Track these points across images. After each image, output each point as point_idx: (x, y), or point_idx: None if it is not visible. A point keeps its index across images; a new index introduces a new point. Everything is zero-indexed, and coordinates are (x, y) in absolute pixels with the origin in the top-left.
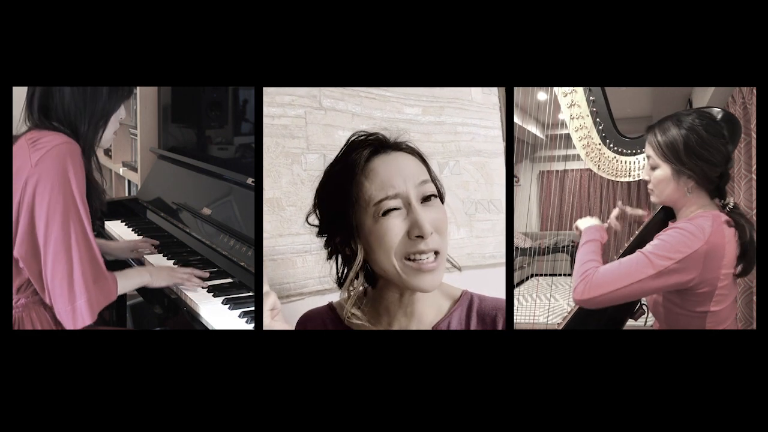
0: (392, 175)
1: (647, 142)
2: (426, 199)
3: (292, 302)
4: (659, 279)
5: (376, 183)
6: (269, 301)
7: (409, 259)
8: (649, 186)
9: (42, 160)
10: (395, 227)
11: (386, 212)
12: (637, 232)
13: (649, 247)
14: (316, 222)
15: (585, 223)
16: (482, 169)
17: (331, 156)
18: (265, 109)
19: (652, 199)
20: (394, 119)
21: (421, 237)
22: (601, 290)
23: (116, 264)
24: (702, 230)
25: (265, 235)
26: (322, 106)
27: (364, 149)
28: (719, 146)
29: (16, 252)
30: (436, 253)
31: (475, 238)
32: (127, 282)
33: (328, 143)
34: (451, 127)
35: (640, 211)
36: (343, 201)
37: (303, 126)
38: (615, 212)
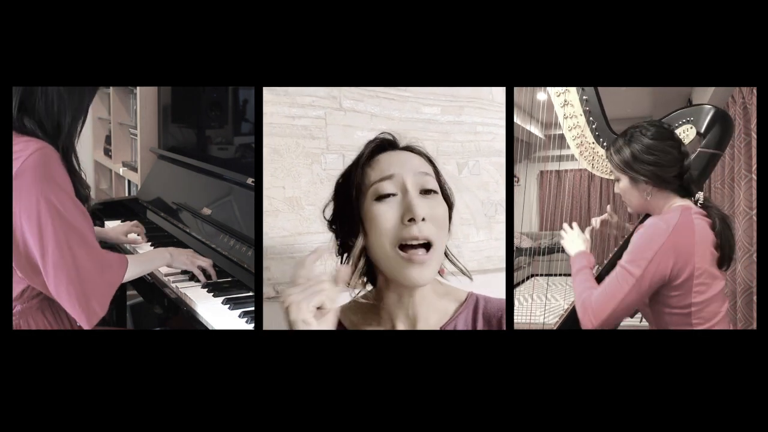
0: (392, 163)
1: (609, 161)
2: (425, 192)
3: None
4: (644, 283)
5: (377, 170)
6: (320, 296)
7: (402, 248)
8: (623, 198)
9: (20, 173)
10: (388, 211)
11: (381, 197)
12: (621, 243)
13: (624, 256)
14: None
15: (570, 246)
16: (503, 170)
17: (350, 156)
18: (287, 110)
19: (629, 210)
20: (413, 119)
21: (413, 221)
22: (602, 315)
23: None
24: (667, 223)
25: (284, 233)
26: (342, 107)
27: (372, 144)
28: (667, 149)
29: (14, 264)
30: (429, 246)
31: (494, 240)
32: (148, 264)
33: (347, 143)
34: (470, 127)
35: (626, 225)
36: (349, 192)
37: (323, 127)
38: (602, 217)
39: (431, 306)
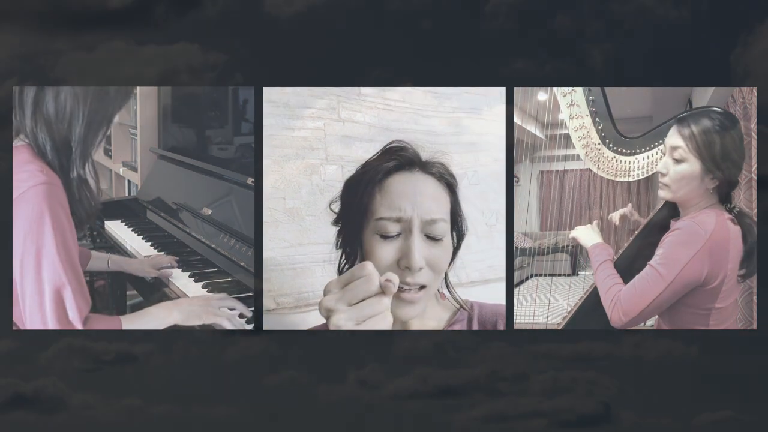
0: (404, 197)
1: (676, 134)
2: (431, 238)
3: (311, 311)
4: (675, 286)
5: (386, 199)
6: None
7: None
8: (664, 180)
9: (18, 201)
10: (387, 251)
11: (385, 236)
12: (637, 231)
13: (656, 257)
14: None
15: (586, 238)
16: (501, 178)
17: (349, 167)
18: (286, 122)
19: (663, 194)
20: (412, 130)
21: (408, 269)
22: (631, 314)
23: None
24: (704, 227)
25: (284, 243)
26: (341, 117)
27: (390, 161)
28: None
29: None
30: (423, 287)
31: (496, 249)
32: (146, 323)
33: (345, 154)
34: (469, 138)
35: (641, 219)
36: (355, 205)
37: (322, 138)
38: (622, 211)
39: (421, 323)
